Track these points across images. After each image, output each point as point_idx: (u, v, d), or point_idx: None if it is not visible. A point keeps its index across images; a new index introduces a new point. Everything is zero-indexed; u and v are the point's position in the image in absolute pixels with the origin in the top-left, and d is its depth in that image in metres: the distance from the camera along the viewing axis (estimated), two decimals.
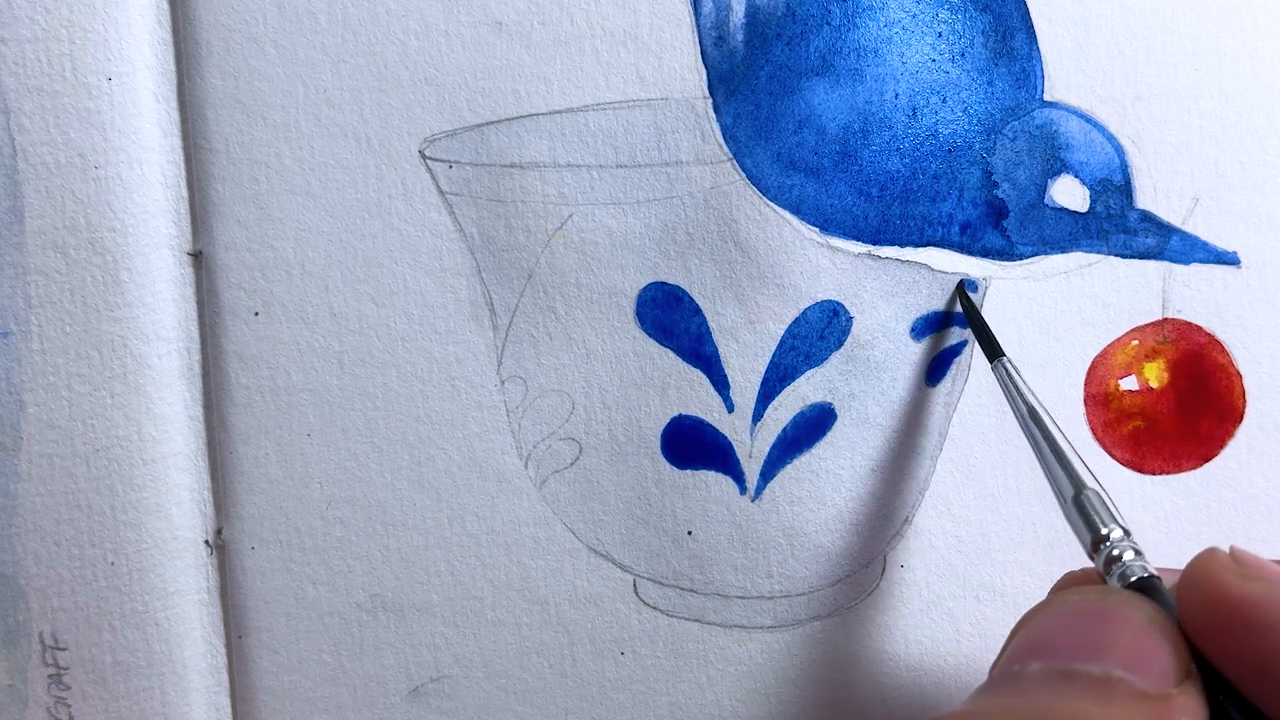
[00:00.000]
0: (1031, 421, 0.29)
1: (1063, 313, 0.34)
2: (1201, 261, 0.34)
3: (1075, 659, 0.21)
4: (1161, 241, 0.33)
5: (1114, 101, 0.33)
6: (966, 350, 0.34)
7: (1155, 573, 0.24)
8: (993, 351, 0.32)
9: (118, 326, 0.32)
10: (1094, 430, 0.34)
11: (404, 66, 0.32)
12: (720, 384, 0.33)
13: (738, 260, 0.33)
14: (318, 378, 0.33)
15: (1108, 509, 0.26)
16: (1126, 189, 0.33)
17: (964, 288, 0.33)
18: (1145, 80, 0.33)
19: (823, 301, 0.33)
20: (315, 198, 0.33)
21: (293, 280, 0.33)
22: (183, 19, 0.32)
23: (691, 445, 0.33)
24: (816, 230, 0.32)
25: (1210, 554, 0.22)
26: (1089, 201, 0.33)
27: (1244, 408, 0.34)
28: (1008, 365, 0.31)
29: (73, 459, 0.32)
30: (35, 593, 0.32)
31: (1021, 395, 0.30)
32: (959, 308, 0.33)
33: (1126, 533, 0.25)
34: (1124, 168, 0.33)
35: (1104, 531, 0.25)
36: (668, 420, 0.33)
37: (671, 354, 0.33)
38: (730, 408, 0.33)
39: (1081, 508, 0.26)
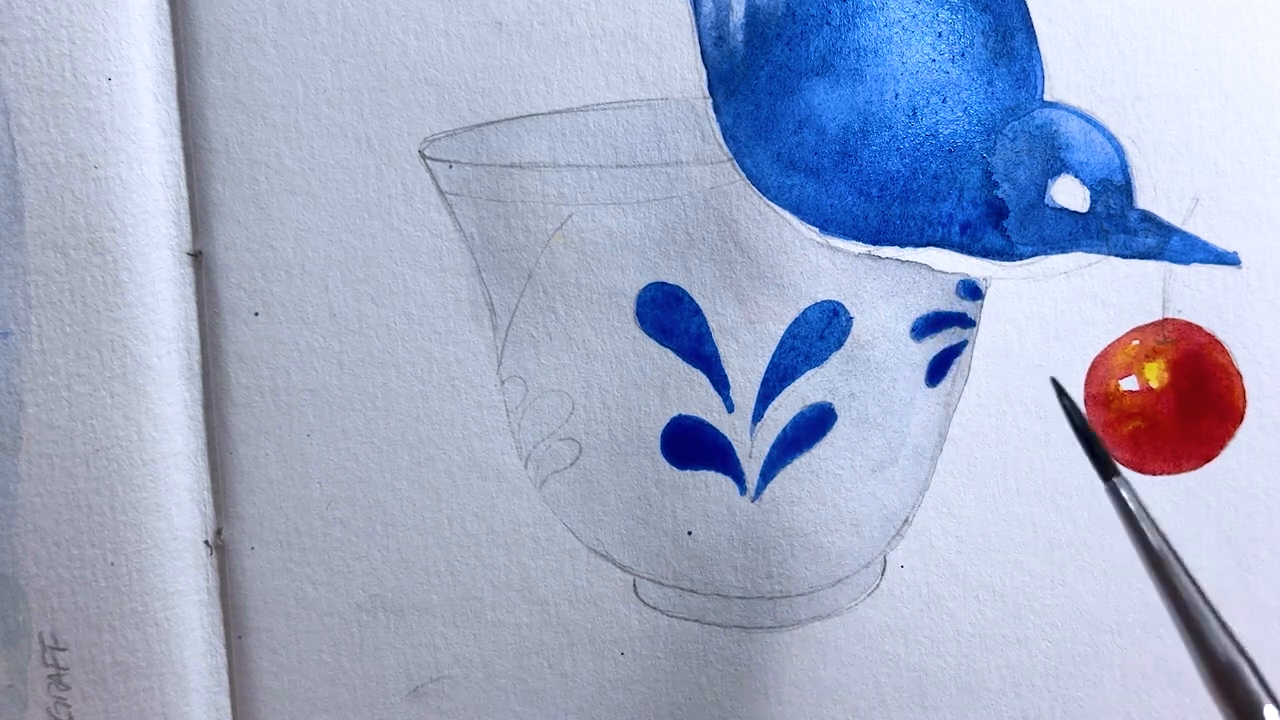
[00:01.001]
0: (1172, 562, 0.24)
1: (1063, 313, 0.34)
2: (1202, 262, 0.34)
3: None
4: (1162, 242, 0.33)
5: (1114, 101, 0.33)
6: (966, 350, 0.34)
7: None
8: (1105, 470, 0.26)
9: (118, 326, 0.32)
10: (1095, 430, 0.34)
11: (404, 66, 0.32)
12: (720, 384, 0.33)
13: (738, 260, 0.32)
14: (318, 378, 0.33)
15: (1263, 683, 0.22)
16: (1126, 189, 0.33)
17: (1064, 392, 0.28)
18: (1145, 80, 0.33)
19: (823, 301, 0.33)
20: (315, 198, 0.33)
21: (293, 280, 0.33)
22: (183, 19, 0.32)
23: (691, 445, 0.33)
24: (816, 230, 0.32)
25: None
26: (1089, 201, 0.33)
27: (1244, 408, 0.34)
28: (1123, 488, 0.25)
29: (73, 459, 0.32)
30: (35, 593, 0.32)
31: (1157, 528, 0.24)
32: (966, 309, 0.33)
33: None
34: (1124, 168, 0.33)
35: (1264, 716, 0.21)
36: (668, 420, 0.33)
37: (671, 354, 0.33)
38: (730, 408, 0.33)
39: (1233, 678, 0.22)
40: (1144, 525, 0.24)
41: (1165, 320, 0.34)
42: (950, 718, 0.34)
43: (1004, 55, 0.32)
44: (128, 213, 0.32)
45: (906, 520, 0.34)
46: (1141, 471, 0.34)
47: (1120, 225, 0.33)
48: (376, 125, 0.32)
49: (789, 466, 0.33)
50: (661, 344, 0.33)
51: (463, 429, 0.33)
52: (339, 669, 0.34)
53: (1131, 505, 0.25)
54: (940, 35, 0.32)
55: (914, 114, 0.32)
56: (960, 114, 0.32)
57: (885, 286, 0.33)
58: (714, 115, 0.32)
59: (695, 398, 0.33)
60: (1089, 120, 0.33)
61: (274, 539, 0.33)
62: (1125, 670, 0.34)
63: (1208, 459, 0.34)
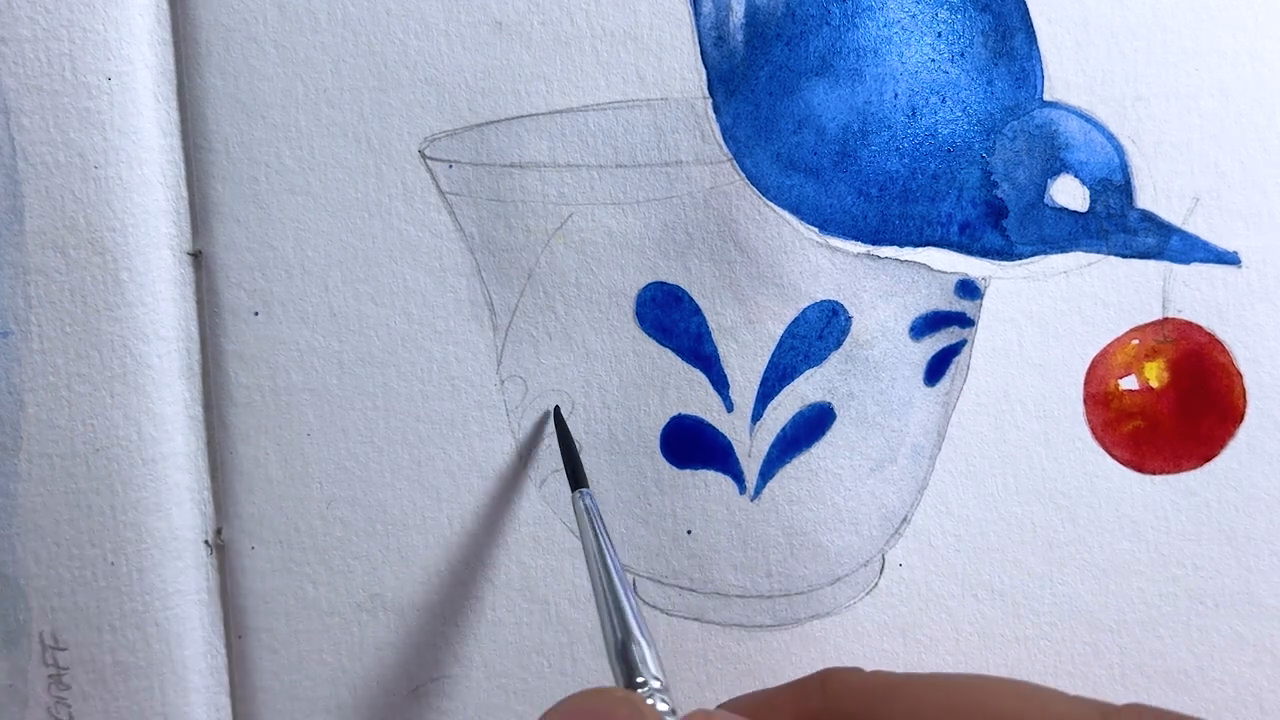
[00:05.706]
0: (598, 561, 0.28)
1: (1063, 312, 0.34)
2: (1202, 261, 0.34)
3: None
4: (1161, 241, 0.33)
5: (1114, 101, 0.33)
6: (966, 350, 0.34)
7: None
8: (576, 480, 0.31)
9: (118, 326, 0.32)
10: (1094, 430, 0.34)
11: (404, 66, 0.32)
12: (720, 383, 0.33)
13: (737, 260, 0.33)
14: (318, 378, 0.33)
15: (647, 664, 0.26)
16: (1126, 189, 0.33)
17: (559, 411, 0.33)
18: (1145, 80, 0.33)
19: (822, 301, 0.33)
20: (315, 197, 0.33)
21: (293, 280, 0.33)
22: (183, 19, 0.32)
23: (691, 445, 0.33)
24: (816, 230, 0.32)
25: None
26: (1089, 201, 0.33)
27: (1244, 407, 0.34)
28: (588, 499, 0.31)
29: (73, 459, 0.32)
30: (35, 593, 0.32)
31: (596, 532, 0.29)
32: (965, 308, 0.33)
33: (665, 688, 0.26)
34: (1124, 167, 0.33)
35: (639, 680, 0.26)
36: (667, 420, 0.33)
37: (671, 354, 0.33)
38: (730, 407, 0.33)
39: (625, 658, 0.26)
40: (600, 531, 0.29)
41: (1165, 320, 0.34)
42: None
43: (1003, 55, 0.32)
44: (128, 212, 0.32)
45: (905, 519, 0.34)
46: (1141, 471, 0.34)
47: (1120, 225, 0.33)
48: (376, 125, 0.33)
49: (788, 466, 0.33)
50: (661, 344, 0.33)
51: (463, 429, 0.33)
52: (339, 669, 0.34)
53: (596, 514, 0.30)
54: (940, 35, 0.32)
55: (913, 114, 0.32)
56: (960, 114, 0.32)
57: (884, 286, 0.33)
58: (714, 115, 0.32)
59: (695, 397, 0.33)
60: (1089, 120, 0.33)
61: (274, 539, 0.33)
62: (1125, 670, 0.34)
63: (1208, 459, 0.34)
